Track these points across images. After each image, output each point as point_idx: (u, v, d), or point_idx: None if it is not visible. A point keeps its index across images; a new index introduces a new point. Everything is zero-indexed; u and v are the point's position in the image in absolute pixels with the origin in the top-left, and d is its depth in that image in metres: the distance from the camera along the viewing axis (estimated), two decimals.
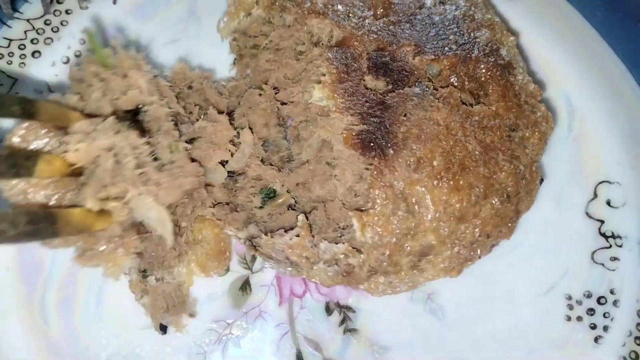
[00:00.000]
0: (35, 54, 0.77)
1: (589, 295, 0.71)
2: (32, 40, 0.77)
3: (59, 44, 0.78)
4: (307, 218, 0.65)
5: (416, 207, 0.61)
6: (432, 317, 0.70)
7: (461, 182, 0.61)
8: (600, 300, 0.71)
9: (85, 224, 0.54)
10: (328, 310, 0.70)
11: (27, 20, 0.78)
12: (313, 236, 0.63)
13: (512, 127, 0.66)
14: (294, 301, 0.70)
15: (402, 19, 0.71)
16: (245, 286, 0.70)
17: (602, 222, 0.74)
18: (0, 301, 0.68)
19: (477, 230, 0.63)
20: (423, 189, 0.60)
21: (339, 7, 0.70)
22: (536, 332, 0.70)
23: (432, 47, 0.68)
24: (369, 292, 0.64)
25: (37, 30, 0.78)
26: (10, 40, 0.77)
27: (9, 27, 0.77)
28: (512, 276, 0.72)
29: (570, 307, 0.71)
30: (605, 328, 0.70)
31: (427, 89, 0.65)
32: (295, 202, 0.68)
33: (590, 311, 0.71)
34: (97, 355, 0.67)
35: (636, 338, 0.69)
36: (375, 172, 0.61)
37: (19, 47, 0.77)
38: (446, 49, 0.68)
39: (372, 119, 0.62)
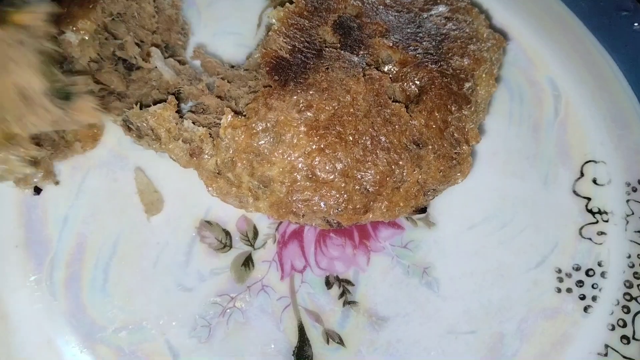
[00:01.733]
0: None
1: (577, 268, 0.74)
2: None
3: None
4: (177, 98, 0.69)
5: (280, 139, 0.63)
6: (428, 289, 0.73)
7: (329, 148, 0.63)
8: (588, 273, 0.74)
9: None
10: (328, 284, 0.72)
11: None
12: (180, 115, 0.67)
13: (418, 142, 0.66)
14: (295, 276, 0.72)
15: (395, 7, 0.74)
16: (247, 262, 0.73)
17: (589, 199, 0.78)
18: (9, 277, 0.69)
19: (317, 197, 0.64)
20: (294, 131, 0.63)
21: None
22: (527, 304, 0.73)
23: (399, 38, 0.70)
24: (207, 186, 0.67)
25: None
26: None
27: None
28: (503, 251, 0.75)
29: (560, 280, 0.74)
30: (594, 298, 0.73)
31: (363, 64, 0.67)
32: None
33: (579, 283, 0.73)
34: (104, 328, 0.68)
35: (623, 307, 0.72)
36: (266, 91, 0.64)
37: None
38: (410, 47, 0.70)
39: (299, 55, 0.66)
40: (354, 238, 0.74)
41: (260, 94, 0.65)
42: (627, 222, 0.76)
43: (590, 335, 0.71)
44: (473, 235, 0.75)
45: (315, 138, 0.63)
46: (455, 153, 0.68)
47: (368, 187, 0.65)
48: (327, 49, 0.68)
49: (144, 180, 0.74)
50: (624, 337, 0.70)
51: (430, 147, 0.67)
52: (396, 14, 0.74)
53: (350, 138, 0.64)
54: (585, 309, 0.72)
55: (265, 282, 0.72)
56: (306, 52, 0.67)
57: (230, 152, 0.64)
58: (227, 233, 0.73)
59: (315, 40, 0.69)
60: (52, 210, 0.73)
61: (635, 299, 0.72)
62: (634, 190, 0.77)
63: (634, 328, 0.70)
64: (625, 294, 0.72)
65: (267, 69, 0.66)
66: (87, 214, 0.73)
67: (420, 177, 0.67)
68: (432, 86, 0.68)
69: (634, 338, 0.70)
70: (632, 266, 0.73)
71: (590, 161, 0.79)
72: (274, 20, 0.70)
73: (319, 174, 0.64)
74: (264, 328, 0.70)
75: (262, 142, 0.64)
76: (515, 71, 0.84)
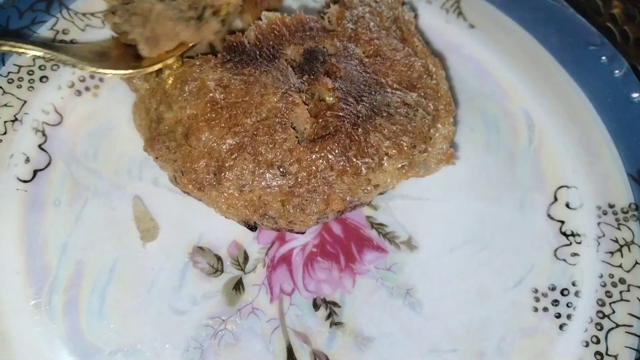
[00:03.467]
0: (43, 78, 0.84)
1: (553, 288, 0.78)
2: (40, 67, 0.84)
3: (64, 70, 0.85)
4: None
5: (187, 95, 0.73)
6: (411, 310, 0.76)
7: (213, 123, 0.70)
8: (563, 292, 0.78)
9: None
10: (315, 306, 0.76)
11: None
12: None
13: (284, 171, 0.69)
14: (283, 298, 0.76)
15: (366, 67, 0.76)
16: (238, 286, 0.76)
17: (563, 222, 0.82)
18: (11, 301, 0.72)
19: (178, 152, 0.71)
20: (200, 95, 0.72)
21: (367, 16, 0.82)
22: (506, 323, 0.76)
23: (342, 87, 0.73)
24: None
25: (44, 58, 0.85)
26: (20, 66, 0.83)
27: (19, 54, 0.84)
28: (482, 273, 0.79)
29: (537, 299, 0.77)
30: (569, 316, 0.76)
31: (295, 87, 0.73)
32: None
33: (555, 302, 0.77)
34: (100, 350, 0.71)
35: (597, 324, 0.75)
36: (207, 58, 0.76)
37: (27, 73, 0.84)
38: (345, 100, 0.72)
39: (256, 50, 0.76)
40: (340, 261, 0.78)
41: (200, 58, 0.75)
42: (599, 243, 0.80)
43: (566, 352, 0.74)
44: (454, 257, 0.79)
45: (208, 109, 0.71)
46: (306, 201, 0.70)
47: (215, 171, 0.70)
48: (281, 60, 0.75)
49: (141, 208, 0.78)
50: (597, 353, 0.73)
51: (291, 181, 0.69)
52: (361, 72, 0.76)
53: (237, 128, 0.70)
54: (561, 326, 0.76)
55: (255, 305, 0.75)
56: (264, 51, 0.75)
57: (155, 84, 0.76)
58: (219, 258, 0.77)
59: (280, 49, 0.76)
60: (52, 238, 0.76)
61: (608, 316, 0.75)
62: (605, 213, 0.81)
63: (607, 344, 0.74)
64: (598, 312, 0.76)
65: (224, 46, 0.75)
66: (86, 241, 0.76)
67: (264, 195, 0.69)
68: (332, 139, 0.69)
69: (607, 354, 0.73)
70: (604, 285, 0.77)
71: (563, 186, 0.84)
72: (264, 20, 0.78)
73: (190, 137, 0.70)
74: (253, 349, 0.73)
75: (176, 90, 0.73)
76: (492, 103, 0.89)
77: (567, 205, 0.83)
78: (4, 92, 0.82)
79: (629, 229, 0.80)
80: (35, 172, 0.79)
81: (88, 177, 0.80)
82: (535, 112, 0.89)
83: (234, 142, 0.70)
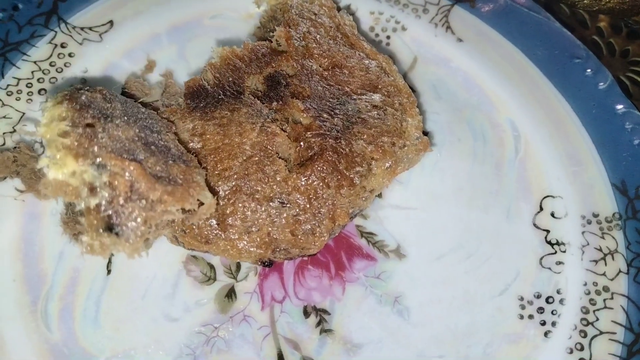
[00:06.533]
0: (41, 91, 0.86)
1: (538, 296, 0.80)
2: (38, 80, 0.86)
3: (62, 82, 0.87)
4: None
5: None
6: (399, 317, 0.78)
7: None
8: (548, 300, 0.79)
9: None
10: (306, 314, 0.77)
11: (34, 62, 0.87)
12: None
13: (283, 201, 0.70)
14: (274, 306, 0.78)
15: (329, 80, 0.78)
16: (230, 294, 0.78)
17: (548, 231, 0.84)
18: (7, 309, 0.74)
19: None
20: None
21: (311, 30, 0.81)
22: (492, 330, 0.78)
23: (314, 106, 0.74)
24: None
25: (43, 71, 0.87)
26: (19, 79, 0.86)
27: (18, 68, 0.86)
28: (469, 280, 0.80)
29: (522, 307, 0.79)
30: (554, 324, 0.78)
31: (270, 117, 0.73)
32: None
33: (540, 309, 0.79)
34: (94, 357, 0.73)
35: (580, 331, 0.77)
36: (172, 109, 0.75)
37: (26, 86, 0.86)
38: (320, 118, 0.73)
39: (219, 90, 0.75)
40: (330, 270, 0.80)
41: (166, 110, 0.73)
42: (583, 252, 0.82)
43: (551, 358, 0.75)
44: (441, 265, 0.81)
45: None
46: (314, 224, 0.71)
47: (217, 221, 0.69)
48: (246, 94, 0.74)
49: None
50: (581, 359, 0.75)
51: (292, 210, 0.70)
52: (326, 86, 0.77)
53: (226, 173, 0.70)
54: (546, 334, 0.77)
55: (247, 312, 0.77)
56: (227, 90, 0.74)
57: None
58: (212, 267, 0.79)
59: (241, 83, 0.75)
60: (48, 246, 0.78)
61: (592, 323, 0.77)
62: (589, 222, 0.83)
63: (590, 351, 0.75)
64: (582, 319, 0.78)
65: (186, 92, 0.74)
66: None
67: (272, 231, 0.70)
68: (320, 158, 0.71)
69: None
70: (588, 293, 0.79)
71: (548, 196, 0.86)
72: (215, 57, 0.77)
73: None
74: (245, 356, 0.74)
75: None
76: (479, 114, 0.92)
77: (552, 215, 0.85)
78: (3, 104, 0.84)
79: (613, 237, 0.82)
80: None
81: None
82: (522, 123, 0.91)
83: (228, 187, 0.69)
